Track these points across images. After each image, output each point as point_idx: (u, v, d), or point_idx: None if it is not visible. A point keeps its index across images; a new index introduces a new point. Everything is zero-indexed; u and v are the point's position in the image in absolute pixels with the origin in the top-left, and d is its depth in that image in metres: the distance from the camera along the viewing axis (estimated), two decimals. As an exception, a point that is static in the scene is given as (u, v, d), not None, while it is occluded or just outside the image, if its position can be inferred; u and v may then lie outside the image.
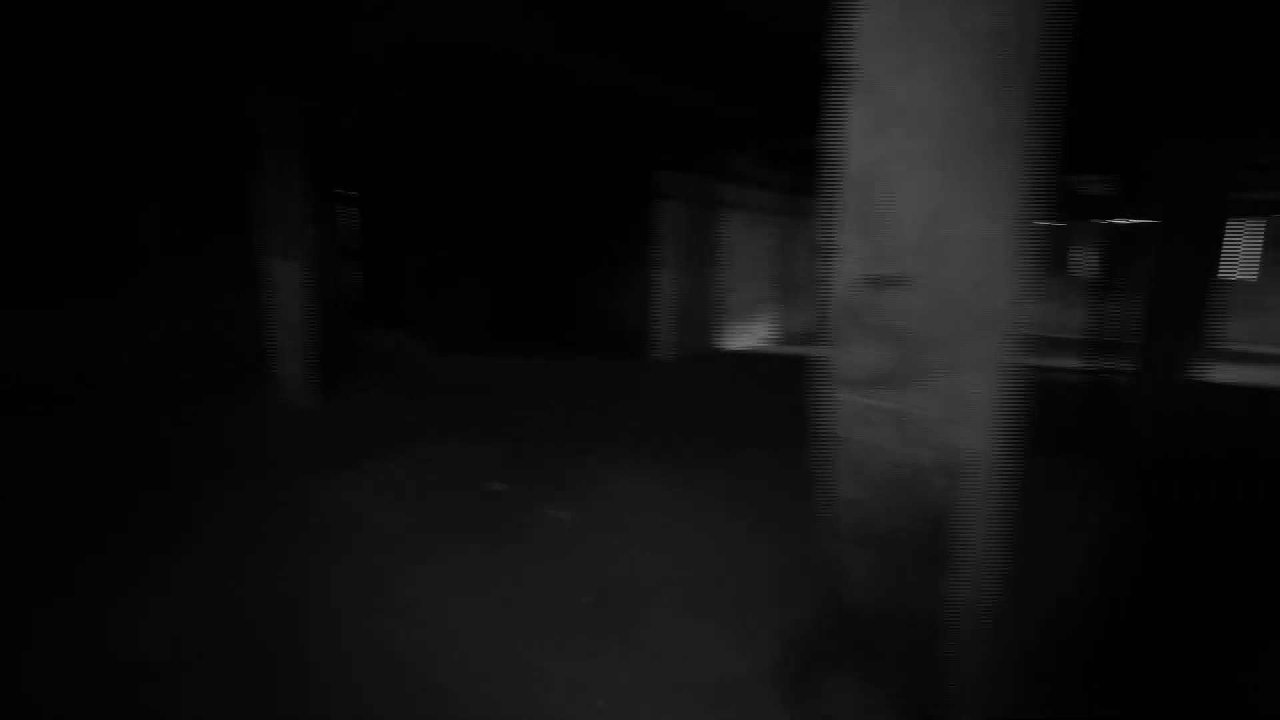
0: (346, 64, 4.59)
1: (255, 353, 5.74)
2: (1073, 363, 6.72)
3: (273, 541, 2.72)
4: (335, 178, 7.06)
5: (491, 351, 8.26)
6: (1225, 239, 7.47)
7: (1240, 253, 11.40)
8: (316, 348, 5.41)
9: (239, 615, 2.15)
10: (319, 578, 2.43)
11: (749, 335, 9.80)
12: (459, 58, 4.39)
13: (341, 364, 6.70)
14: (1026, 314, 1.33)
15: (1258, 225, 11.38)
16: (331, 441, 4.21)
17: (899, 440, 1.32)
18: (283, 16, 3.80)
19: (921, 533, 1.30)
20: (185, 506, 3.06)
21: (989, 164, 1.20)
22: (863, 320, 1.35)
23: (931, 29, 1.21)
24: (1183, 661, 2.01)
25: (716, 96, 5.10)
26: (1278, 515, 3.21)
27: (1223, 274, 10.76)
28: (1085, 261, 13.60)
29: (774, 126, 6.29)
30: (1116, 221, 4.64)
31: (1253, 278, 11.38)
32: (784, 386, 6.51)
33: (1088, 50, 3.99)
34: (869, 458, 1.37)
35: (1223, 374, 7.81)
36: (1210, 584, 2.53)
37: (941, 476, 1.26)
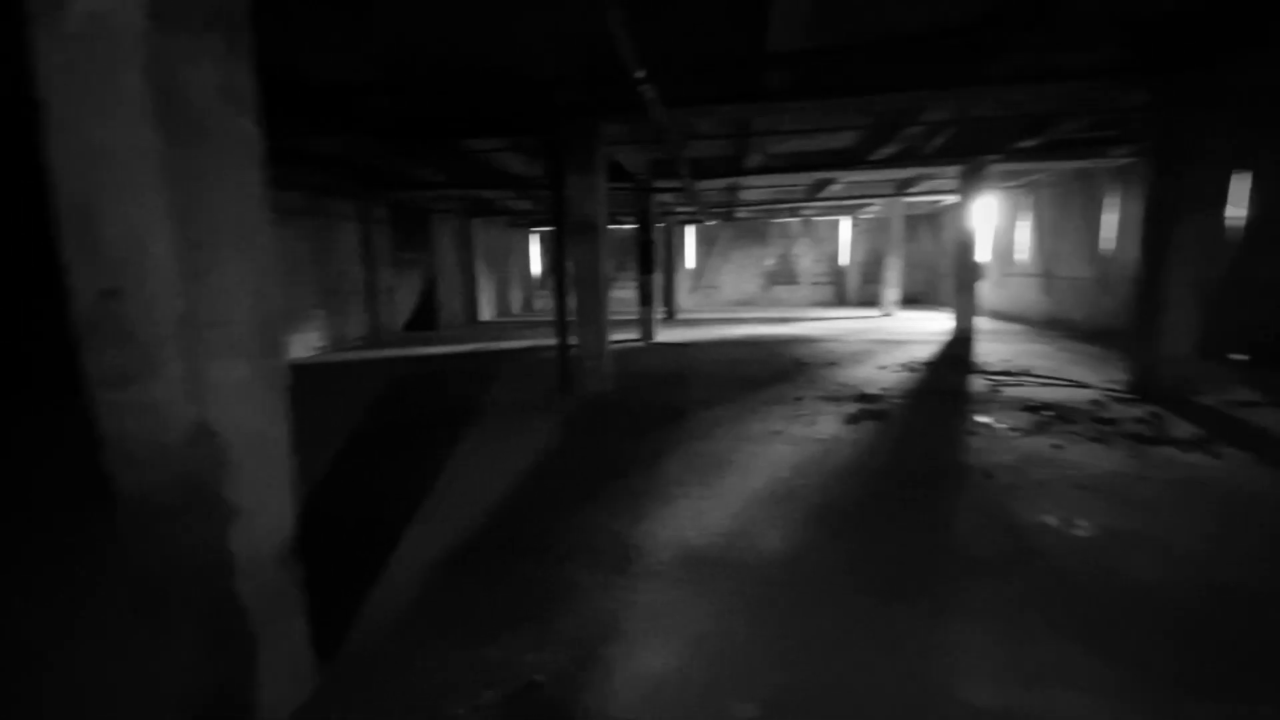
0: None
1: None
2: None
3: None
4: None
5: None
6: (669, 240, 10.73)
7: (686, 249, 16.27)
8: None
9: None
10: None
11: (299, 344, 9.16)
12: None
13: None
14: (261, 313, 1.75)
15: (693, 230, 16.33)
16: None
17: (150, 425, 1.57)
18: None
19: (179, 496, 1.60)
20: None
21: (183, 193, 1.52)
22: (103, 328, 1.54)
23: (104, 81, 1.45)
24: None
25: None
26: (639, 423, 4.88)
27: (680, 265, 15.42)
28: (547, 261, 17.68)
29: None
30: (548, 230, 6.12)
31: (694, 266, 16.37)
32: (320, 396, 6.38)
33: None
34: (133, 446, 1.58)
35: (672, 335, 11.13)
36: (595, 473, 3.71)
37: (186, 448, 1.57)
